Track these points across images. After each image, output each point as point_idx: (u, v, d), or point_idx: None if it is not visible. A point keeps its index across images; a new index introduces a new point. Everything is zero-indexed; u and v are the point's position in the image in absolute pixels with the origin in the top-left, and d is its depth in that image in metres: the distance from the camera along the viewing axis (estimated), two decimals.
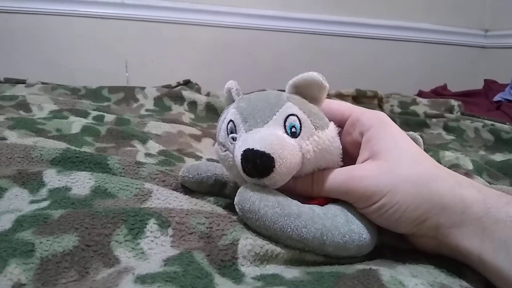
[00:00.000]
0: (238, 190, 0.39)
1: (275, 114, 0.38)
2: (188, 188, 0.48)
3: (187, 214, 0.38)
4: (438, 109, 1.41)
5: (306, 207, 0.38)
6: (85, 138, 0.68)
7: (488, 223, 0.34)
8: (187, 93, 1.16)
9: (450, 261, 0.38)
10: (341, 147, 0.41)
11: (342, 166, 0.41)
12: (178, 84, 1.44)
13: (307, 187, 0.41)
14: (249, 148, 0.35)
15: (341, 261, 0.38)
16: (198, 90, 1.38)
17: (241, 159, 0.36)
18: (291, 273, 0.34)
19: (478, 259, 0.35)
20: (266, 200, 0.36)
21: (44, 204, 0.40)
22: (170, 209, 0.39)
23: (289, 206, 0.37)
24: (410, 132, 0.48)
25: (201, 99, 1.13)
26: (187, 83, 1.48)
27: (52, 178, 0.44)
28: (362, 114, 0.42)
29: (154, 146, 0.72)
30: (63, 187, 0.43)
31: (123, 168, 0.50)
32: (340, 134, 0.41)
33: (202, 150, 0.79)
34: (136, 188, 0.44)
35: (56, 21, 1.74)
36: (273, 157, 0.35)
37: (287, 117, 0.38)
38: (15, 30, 1.71)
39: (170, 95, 1.14)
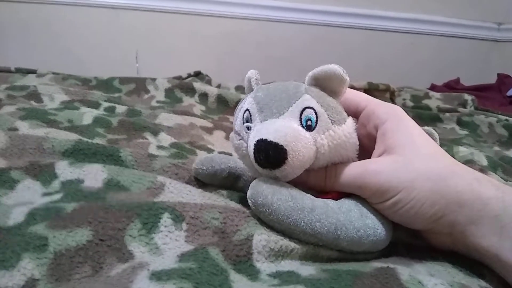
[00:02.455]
0: (251, 184, 0.38)
1: (291, 106, 0.37)
2: (201, 181, 0.48)
3: (201, 209, 0.37)
4: (451, 104, 1.39)
5: (320, 201, 0.37)
6: (97, 130, 0.68)
7: (507, 221, 0.33)
8: (198, 85, 1.15)
9: (467, 259, 0.37)
10: (357, 143, 0.40)
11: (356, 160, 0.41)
12: (189, 76, 1.44)
13: (320, 181, 0.40)
14: (262, 139, 0.35)
15: (356, 257, 0.38)
16: (209, 82, 1.37)
17: (254, 149, 0.36)
18: (306, 270, 0.34)
19: (496, 258, 0.34)
20: (279, 194, 0.36)
21: (57, 196, 0.39)
22: (184, 204, 0.38)
23: (302, 200, 0.36)
24: (426, 127, 0.47)
25: (212, 91, 1.13)
26: (197, 74, 1.47)
27: (65, 170, 0.44)
28: (378, 106, 0.41)
29: (165, 138, 0.71)
30: (76, 179, 0.43)
31: (136, 161, 0.50)
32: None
33: (213, 142, 0.78)
34: (149, 181, 0.43)
35: (68, 11, 1.75)
36: (286, 149, 0.35)
37: (303, 110, 0.37)
38: (27, 20, 1.71)
39: (181, 87, 1.14)
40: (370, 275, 0.32)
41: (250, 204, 0.38)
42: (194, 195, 0.43)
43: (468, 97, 1.43)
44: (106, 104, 0.87)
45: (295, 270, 0.34)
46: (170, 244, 0.34)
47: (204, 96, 1.12)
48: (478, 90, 1.69)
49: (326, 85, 0.39)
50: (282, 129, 0.36)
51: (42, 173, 0.43)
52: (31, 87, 0.91)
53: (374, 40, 2.07)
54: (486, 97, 1.60)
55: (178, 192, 0.43)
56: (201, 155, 0.65)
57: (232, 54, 1.93)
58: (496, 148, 0.97)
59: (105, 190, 0.42)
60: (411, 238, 0.42)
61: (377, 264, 0.35)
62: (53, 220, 0.32)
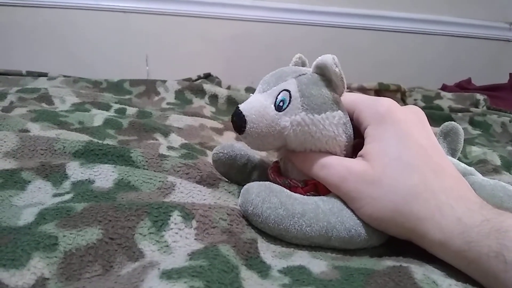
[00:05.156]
0: (241, 191, 0.39)
1: (275, 86, 0.40)
2: (211, 182, 0.47)
3: (210, 208, 0.37)
4: (463, 104, 1.38)
5: (311, 203, 0.38)
6: (108, 131, 0.68)
7: (472, 257, 0.31)
8: (208, 86, 1.15)
9: None
10: (340, 137, 0.40)
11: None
12: (199, 78, 1.44)
13: (299, 165, 0.41)
14: (238, 106, 0.40)
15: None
16: (219, 84, 1.37)
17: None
18: (318, 266, 0.34)
19: None
20: (269, 202, 0.37)
21: (67, 197, 0.39)
22: (193, 203, 0.38)
23: (292, 206, 0.37)
24: (449, 123, 0.47)
25: (222, 92, 1.13)
26: (207, 76, 1.47)
27: (75, 170, 0.44)
28: (363, 111, 0.40)
29: (176, 139, 0.72)
30: (86, 179, 0.43)
31: (146, 161, 0.50)
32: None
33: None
34: (159, 181, 0.43)
35: (78, 15, 1.75)
36: (246, 119, 0.39)
37: (281, 91, 0.40)
38: (36, 24, 1.72)
39: (191, 88, 1.14)
40: (383, 273, 0.31)
41: (242, 212, 0.39)
42: (204, 195, 0.43)
43: (480, 97, 1.41)
44: (116, 106, 0.88)
45: (306, 265, 0.34)
46: (180, 242, 0.33)
47: (214, 98, 1.13)
48: (490, 90, 1.67)
49: (324, 74, 0.40)
50: (253, 102, 0.40)
51: (53, 173, 0.44)
52: (42, 89, 0.91)
53: (385, 41, 2.05)
54: (498, 97, 1.58)
55: (188, 192, 0.43)
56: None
57: (241, 56, 1.92)
58: (510, 147, 0.96)
59: (116, 190, 0.41)
60: None
61: (390, 262, 0.34)
62: (63, 219, 0.32)
